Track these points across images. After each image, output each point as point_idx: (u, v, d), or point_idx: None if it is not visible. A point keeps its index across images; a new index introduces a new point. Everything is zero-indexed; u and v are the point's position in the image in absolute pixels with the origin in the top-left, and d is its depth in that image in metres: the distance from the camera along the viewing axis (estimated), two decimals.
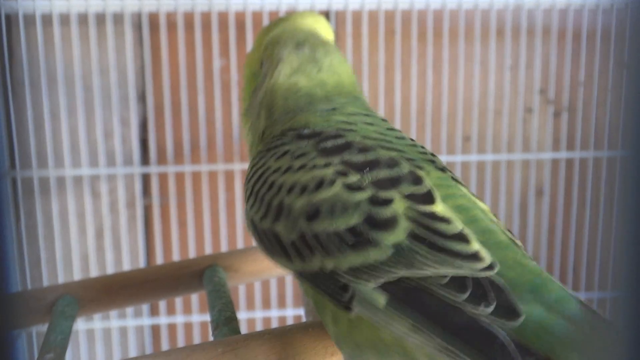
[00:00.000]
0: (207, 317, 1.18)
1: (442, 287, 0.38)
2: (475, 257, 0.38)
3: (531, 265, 0.40)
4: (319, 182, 0.43)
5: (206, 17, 1.11)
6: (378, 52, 1.13)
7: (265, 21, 1.10)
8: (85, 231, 1.14)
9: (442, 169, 0.45)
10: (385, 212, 0.40)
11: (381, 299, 0.40)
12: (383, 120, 0.51)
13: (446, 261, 0.38)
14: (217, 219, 1.17)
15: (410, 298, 0.39)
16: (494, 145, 1.20)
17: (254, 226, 0.47)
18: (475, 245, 0.39)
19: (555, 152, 1.21)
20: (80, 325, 1.14)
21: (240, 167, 1.15)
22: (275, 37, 0.57)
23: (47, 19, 1.07)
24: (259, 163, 0.50)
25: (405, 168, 0.43)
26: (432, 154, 0.48)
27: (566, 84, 1.19)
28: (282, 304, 1.21)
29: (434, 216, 0.40)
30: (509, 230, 0.44)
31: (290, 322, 1.21)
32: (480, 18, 1.14)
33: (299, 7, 1.08)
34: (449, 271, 0.38)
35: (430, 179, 0.43)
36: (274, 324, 1.22)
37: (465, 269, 0.38)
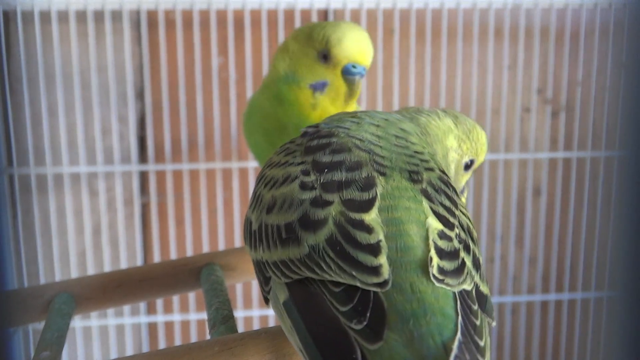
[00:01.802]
0: (204, 316, 1.18)
1: (333, 295, 0.38)
2: (374, 270, 0.38)
3: (428, 292, 0.38)
4: (285, 178, 0.45)
5: (205, 15, 1.11)
6: (376, 51, 1.13)
7: (264, 19, 1.10)
8: (83, 229, 1.13)
9: (416, 180, 0.44)
10: (320, 214, 0.41)
11: (282, 296, 0.41)
12: (403, 129, 0.50)
13: (345, 270, 0.38)
14: (214, 217, 1.17)
15: (302, 301, 0.40)
16: (491, 145, 1.20)
17: (247, 213, 0.49)
18: (381, 260, 0.38)
19: (552, 152, 1.21)
20: (77, 322, 1.14)
21: (238, 165, 1.15)
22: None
23: (45, 16, 1.06)
24: (270, 157, 0.51)
25: (364, 172, 0.43)
26: (429, 169, 0.46)
27: (564, 84, 1.19)
28: None
29: (358, 224, 0.40)
30: (459, 251, 0.41)
31: None
32: (479, 17, 1.14)
33: (297, 6, 1.08)
34: (343, 280, 0.38)
35: (385, 187, 0.42)
36: (272, 323, 1.22)
37: (357, 281, 0.38)
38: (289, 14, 1.11)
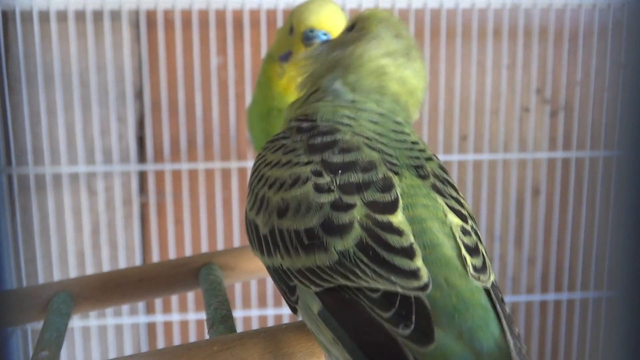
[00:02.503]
0: (203, 316, 1.18)
1: (372, 302, 0.37)
2: (414, 274, 0.37)
3: (463, 286, 0.38)
4: (295, 180, 0.43)
5: (204, 15, 1.11)
6: None
7: (263, 19, 1.10)
8: (81, 228, 1.13)
9: (424, 176, 0.44)
10: (343, 218, 0.39)
11: (315, 306, 0.40)
12: (397, 122, 0.49)
13: (382, 275, 0.37)
14: (213, 217, 1.17)
15: (339, 309, 0.38)
16: (490, 145, 1.20)
17: (245, 214, 0.48)
18: (418, 262, 0.38)
19: (551, 152, 1.21)
20: (76, 322, 1.14)
21: (237, 165, 1.15)
22: (371, 15, 0.54)
23: (44, 16, 1.06)
24: (261, 154, 0.50)
25: (379, 173, 0.42)
26: (428, 158, 0.46)
27: (563, 84, 1.19)
28: (278, 302, 1.21)
29: (388, 227, 0.39)
30: (478, 244, 0.42)
31: (286, 320, 1.21)
32: (478, 17, 1.14)
33: (295, 5, 1.08)
34: (382, 286, 0.37)
35: (400, 186, 0.42)
36: (270, 323, 1.22)
37: (397, 286, 0.37)
38: (288, 14, 1.11)
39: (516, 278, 1.26)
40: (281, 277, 0.43)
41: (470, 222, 0.43)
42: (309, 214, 0.40)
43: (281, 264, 0.42)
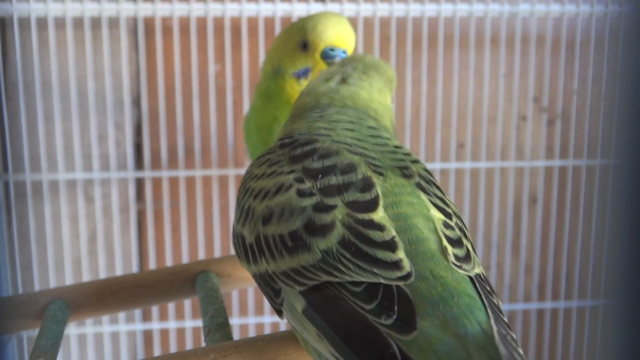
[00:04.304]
0: (199, 323, 1.18)
1: (355, 295, 0.38)
2: (396, 265, 0.39)
3: (449, 276, 0.39)
4: (278, 188, 0.45)
5: (202, 22, 1.11)
6: None
7: (261, 27, 1.10)
8: (78, 235, 1.13)
9: (409, 176, 0.46)
10: (325, 218, 0.41)
11: (299, 305, 0.41)
12: (370, 127, 0.52)
13: (365, 269, 0.39)
14: (210, 224, 1.17)
15: (322, 306, 0.39)
16: (487, 153, 1.20)
17: (233, 229, 0.49)
18: (400, 254, 0.39)
19: (548, 160, 1.21)
20: (72, 330, 1.14)
21: (234, 172, 1.15)
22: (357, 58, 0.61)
23: (41, 22, 1.06)
24: (248, 170, 0.52)
25: (359, 174, 0.44)
26: (414, 161, 0.48)
27: (560, 92, 1.19)
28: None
29: (369, 223, 0.41)
30: (462, 239, 0.43)
31: (283, 328, 1.21)
32: (475, 26, 1.14)
33: (294, 13, 1.08)
34: (365, 279, 0.38)
35: (384, 186, 0.44)
36: (267, 330, 1.22)
37: (380, 278, 0.38)
38: (286, 21, 1.11)
39: (513, 286, 1.26)
40: (266, 282, 0.44)
41: (455, 219, 0.44)
42: (292, 218, 0.42)
43: (266, 269, 0.43)
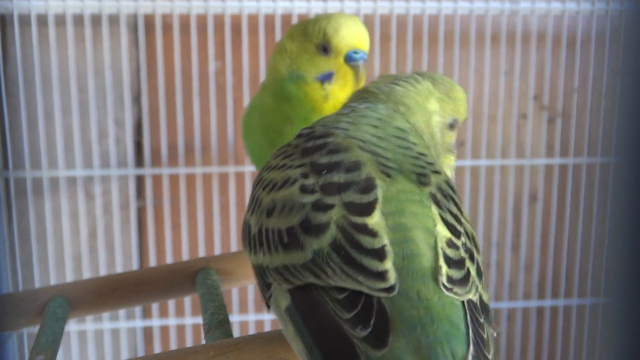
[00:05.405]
0: (199, 320, 1.18)
1: (336, 302, 0.38)
2: (380, 275, 0.38)
3: (435, 300, 0.38)
4: (285, 181, 0.44)
5: (202, 19, 1.11)
6: (373, 57, 1.13)
7: (261, 24, 1.10)
8: (78, 232, 1.13)
9: (424, 184, 0.43)
10: (321, 218, 0.40)
11: (284, 302, 0.41)
12: (399, 128, 0.49)
13: (350, 275, 0.38)
14: (210, 221, 1.17)
15: (304, 307, 0.39)
16: (488, 151, 1.20)
17: (244, 216, 0.49)
18: (387, 265, 0.38)
19: (549, 158, 1.21)
20: (72, 326, 1.14)
21: (234, 170, 1.15)
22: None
23: (42, 19, 1.06)
24: (268, 161, 0.51)
25: (363, 173, 0.42)
26: (436, 172, 0.45)
27: (560, 90, 1.19)
28: None
29: (362, 228, 0.39)
30: (465, 261, 0.41)
31: None
32: (476, 24, 1.14)
33: (294, 11, 1.08)
34: (349, 286, 0.38)
35: (388, 189, 0.42)
36: (267, 328, 1.22)
37: (364, 287, 0.38)
38: (286, 18, 1.11)
39: (513, 284, 1.26)
40: (260, 275, 0.44)
41: (463, 239, 0.42)
42: (292, 214, 0.41)
43: (262, 262, 0.43)
